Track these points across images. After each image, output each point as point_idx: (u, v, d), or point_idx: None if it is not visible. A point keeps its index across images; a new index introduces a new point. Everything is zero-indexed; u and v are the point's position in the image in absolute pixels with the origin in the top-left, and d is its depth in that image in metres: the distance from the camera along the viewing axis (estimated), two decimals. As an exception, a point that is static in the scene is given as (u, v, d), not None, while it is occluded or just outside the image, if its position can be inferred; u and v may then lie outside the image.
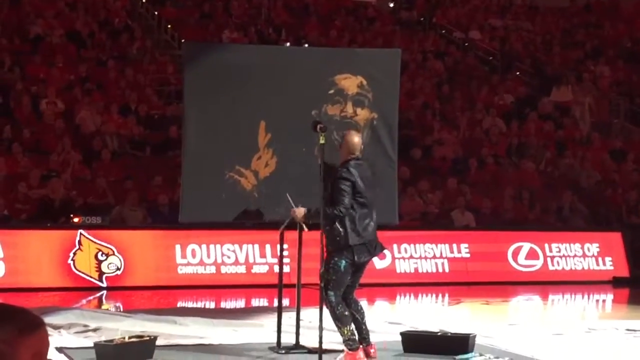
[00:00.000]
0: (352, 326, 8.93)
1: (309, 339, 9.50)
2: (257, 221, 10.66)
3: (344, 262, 8.84)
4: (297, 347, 9.52)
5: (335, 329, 8.89)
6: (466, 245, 17.03)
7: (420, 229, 17.56)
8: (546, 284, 16.81)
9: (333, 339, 9.97)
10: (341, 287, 8.91)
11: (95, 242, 15.17)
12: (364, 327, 9.13)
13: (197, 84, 9.55)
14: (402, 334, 9.87)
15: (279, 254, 10.02)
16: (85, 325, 10.75)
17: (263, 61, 9.77)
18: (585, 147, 22.12)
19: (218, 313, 12.37)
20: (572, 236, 17.83)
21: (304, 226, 8.97)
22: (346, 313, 8.89)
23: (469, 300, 14.86)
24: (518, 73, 25.44)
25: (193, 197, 9.47)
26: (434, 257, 16.80)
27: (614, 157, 21.83)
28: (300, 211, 8.88)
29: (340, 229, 8.77)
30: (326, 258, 8.93)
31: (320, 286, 8.90)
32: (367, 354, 9.13)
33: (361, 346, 9.02)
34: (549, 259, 17.37)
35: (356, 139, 9.00)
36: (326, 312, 8.71)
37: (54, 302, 13.06)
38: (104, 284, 15.06)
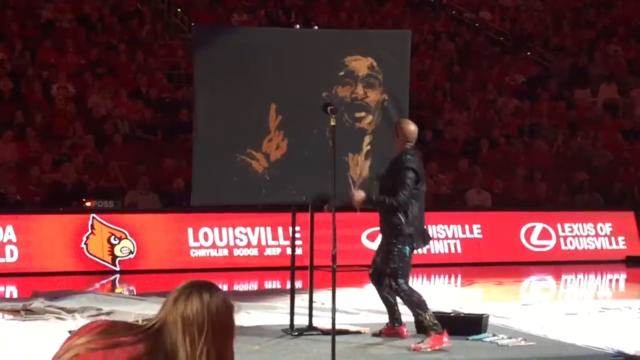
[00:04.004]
0: (430, 311, 8.96)
1: (321, 321, 9.52)
2: (269, 203, 10.68)
3: (407, 248, 8.95)
4: (310, 329, 9.55)
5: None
6: (478, 225, 17.02)
7: (432, 210, 17.51)
8: (559, 263, 16.79)
9: (346, 320, 10.00)
10: (408, 274, 8.95)
11: (107, 226, 15.20)
12: (396, 307, 9.20)
13: (207, 67, 9.55)
14: (415, 315, 9.87)
15: (291, 236, 10.03)
16: (99, 309, 10.80)
17: (273, 44, 9.75)
18: (597, 126, 22.06)
19: (231, 296, 12.36)
20: (585, 216, 17.79)
21: (358, 210, 8.98)
22: (422, 298, 8.93)
23: (481, 281, 14.87)
24: (529, 53, 25.36)
25: (205, 180, 9.48)
26: (447, 238, 16.79)
27: (626, 136, 21.77)
28: (359, 195, 8.88)
29: (402, 218, 8.84)
30: (387, 248, 8.96)
31: (390, 283, 8.93)
32: (401, 334, 9.20)
33: (395, 326, 9.11)
34: (561, 239, 17.34)
35: (412, 127, 9.06)
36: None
37: (67, 286, 13.10)
38: (117, 268, 15.10)
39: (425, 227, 9.22)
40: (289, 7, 24.07)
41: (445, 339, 8.86)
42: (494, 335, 9.44)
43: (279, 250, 15.74)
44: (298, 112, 9.52)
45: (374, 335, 9.33)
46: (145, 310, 10.47)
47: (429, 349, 8.80)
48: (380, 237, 9.38)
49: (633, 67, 24.44)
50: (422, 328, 9.05)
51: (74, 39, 20.89)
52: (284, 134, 9.54)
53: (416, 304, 8.90)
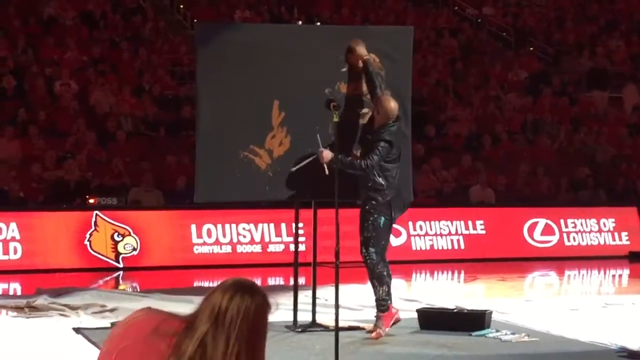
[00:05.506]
0: (387, 288, 9.13)
1: (325, 317, 9.53)
2: (272, 200, 10.68)
3: (383, 219, 9.07)
4: (313, 325, 9.56)
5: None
6: (482, 221, 17.02)
7: (435, 206, 17.55)
8: (562, 259, 16.79)
9: (349, 316, 10.01)
10: (380, 244, 9.10)
11: (111, 223, 15.21)
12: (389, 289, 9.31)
13: (209, 64, 9.55)
14: (418, 311, 9.89)
15: (294, 232, 10.03)
16: (103, 306, 10.80)
17: (275, 40, 9.75)
18: (601, 122, 22.05)
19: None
20: (588, 211, 17.78)
21: (326, 169, 8.97)
22: (385, 273, 9.13)
23: (484, 277, 14.87)
24: (531, 49, 25.35)
25: (208, 177, 9.48)
26: (450, 234, 16.79)
27: (629, 131, 21.76)
28: (327, 154, 8.92)
29: (383, 182, 8.97)
30: (363, 216, 9.09)
31: (361, 250, 9.08)
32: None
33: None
34: (564, 235, 17.34)
35: (392, 103, 9.18)
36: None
37: (70, 283, 13.10)
38: (121, 265, 15.11)
39: (403, 191, 9.37)
40: (291, 3, 24.07)
41: (393, 310, 9.22)
42: (497, 331, 9.45)
43: (282, 246, 15.75)
44: (301, 109, 9.52)
45: (369, 332, 9.36)
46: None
47: (386, 329, 9.15)
48: None
49: (635, 62, 24.41)
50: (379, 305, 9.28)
51: (76, 36, 20.91)
52: (287, 130, 9.54)
53: (376, 275, 9.13)
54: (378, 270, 9.12)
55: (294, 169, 9.32)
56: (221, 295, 3.18)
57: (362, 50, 9.45)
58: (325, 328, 9.36)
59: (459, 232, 16.86)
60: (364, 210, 9.17)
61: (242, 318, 3.14)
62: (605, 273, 16.25)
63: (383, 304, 9.19)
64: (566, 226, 17.41)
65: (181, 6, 24.07)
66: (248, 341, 3.14)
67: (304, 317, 9.65)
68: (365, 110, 9.65)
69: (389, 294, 9.26)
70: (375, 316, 9.30)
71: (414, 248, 16.41)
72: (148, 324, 3.21)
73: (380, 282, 9.13)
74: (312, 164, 9.31)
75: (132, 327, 3.26)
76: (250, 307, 3.17)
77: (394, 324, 9.27)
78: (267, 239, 15.83)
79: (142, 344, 3.17)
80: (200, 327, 3.13)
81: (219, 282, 3.32)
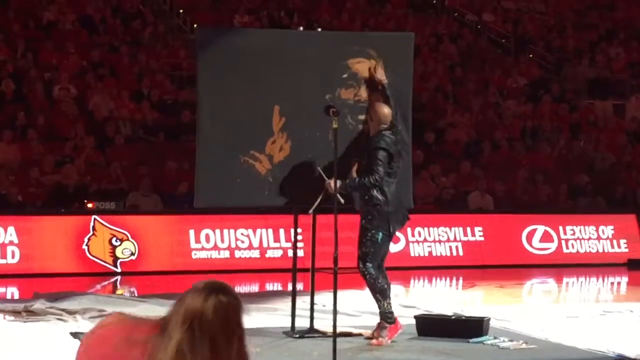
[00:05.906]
0: (391, 300, 9.11)
1: (323, 323, 9.51)
2: (272, 205, 10.67)
3: (380, 234, 9.05)
4: (311, 331, 9.54)
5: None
6: (480, 228, 17.01)
7: (434, 212, 17.54)
8: (561, 266, 16.78)
9: (347, 322, 10.00)
10: (378, 259, 9.09)
11: (109, 228, 15.20)
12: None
13: (210, 69, 9.55)
14: (416, 317, 9.88)
15: (292, 238, 10.02)
16: (101, 310, 10.78)
17: (276, 45, 9.75)
18: (600, 129, 22.05)
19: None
20: (587, 219, 17.77)
21: (340, 198, 8.94)
22: (386, 286, 9.14)
23: (483, 284, 14.86)
24: (531, 55, 25.36)
25: (208, 182, 9.47)
26: (448, 240, 16.78)
27: (629, 139, 21.76)
28: (334, 184, 8.90)
29: (380, 197, 8.94)
30: (361, 232, 9.07)
31: (359, 265, 9.06)
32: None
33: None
34: (563, 242, 17.33)
35: (386, 109, 9.17)
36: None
37: (68, 287, 13.08)
38: (119, 269, 15.09)
39: (403, 198, 9.35)
40: (291, 8, 24.07)
41: (399, 325, 9.21)
42: (495, 338, 9.44)
43: (280, 252, 15.74)
44: (301, 114, 9.52)
45: (367, 338, 9.34)
46: (147, 311, 10.43)
47: (389, 341, 9.13)
48: None
49: (635, 69, 24.41)
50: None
51: (76, 40, 20.91)
52: (287, 135, 9.54)
53: (378, 289, 9.10)
54: (379, 284, 9.08)
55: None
56: (195, 297, 3.13)
57: (381, 74, 9.47)
58: (323, 334, 9.34)
59: (458, 238, 16.84)
60: (362, 226, 9.16)
61: (219, 318, 3.09)
62: (603, 280, 16.24)
63: (389, 316, 9.16)
64: (565, 233, 17.40)
65: (181, 11, 24.07)
66: (228, 341, 3.09)
67: (302, 323, 9.63)
68: (365, 116, 9.64)
69: (392, 305, 9.23)
70: (379, 325, 9.23)
71: (412, 254, 16.39)
72: (120, 332, 3.17)
73: (383, 296, 9.10)
74: (313, 175, 9.29)
75: (103, 335, 3.23)
76: (226, 307, 3.12)
77: (396, 337, 9.23)
78: (265, 245, 15.81)
79: (116, 353, 3.14)
80: (175, 334, 3.08)
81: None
